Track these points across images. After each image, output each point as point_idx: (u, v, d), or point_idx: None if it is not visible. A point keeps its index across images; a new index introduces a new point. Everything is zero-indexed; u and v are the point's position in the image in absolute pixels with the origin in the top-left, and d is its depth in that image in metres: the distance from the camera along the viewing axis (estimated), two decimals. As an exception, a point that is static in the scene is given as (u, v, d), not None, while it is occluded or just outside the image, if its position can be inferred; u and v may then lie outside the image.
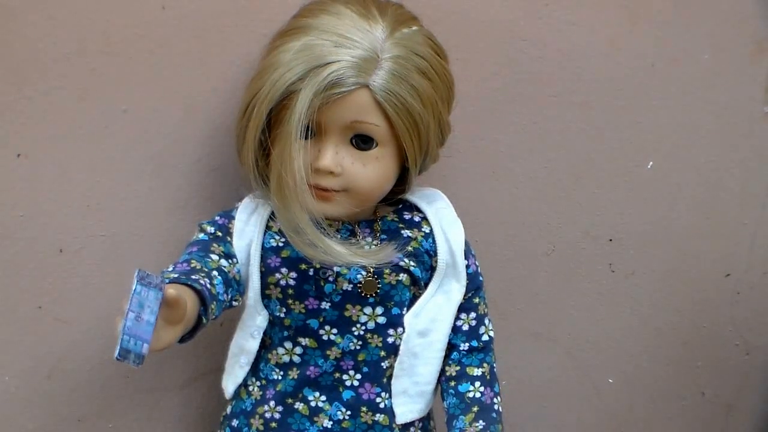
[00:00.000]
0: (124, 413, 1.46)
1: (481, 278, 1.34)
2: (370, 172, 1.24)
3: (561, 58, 1.48)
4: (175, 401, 1.48)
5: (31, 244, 1.37)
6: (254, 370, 1.32)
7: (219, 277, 1.21)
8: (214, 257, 1.24)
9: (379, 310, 1.28)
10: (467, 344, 1.32)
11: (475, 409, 1.29)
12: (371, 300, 1.28)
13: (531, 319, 1.58)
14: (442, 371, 1.32)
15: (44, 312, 1.40)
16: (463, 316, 1.32)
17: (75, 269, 1.40)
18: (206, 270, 1.20)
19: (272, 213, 1.28)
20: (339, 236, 1.27)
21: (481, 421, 1.27)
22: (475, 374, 1.31)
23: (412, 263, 1.29)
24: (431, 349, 1.31)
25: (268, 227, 1.28)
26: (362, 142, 1.23)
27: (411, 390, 1.31)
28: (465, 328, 1.32)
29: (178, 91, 1.37)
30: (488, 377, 1.32)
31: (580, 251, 1.57)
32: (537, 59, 1.47)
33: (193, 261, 1.21)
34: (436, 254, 1.31)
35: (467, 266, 1.32)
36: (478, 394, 1.30)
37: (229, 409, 1.36)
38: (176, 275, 1.16)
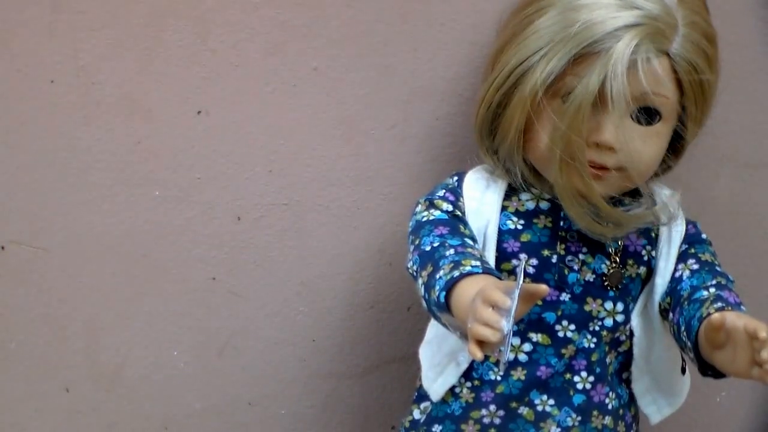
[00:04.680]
0: (299, 399, 1.43)
1: (704, 236, 1.27)
2: (649, 149, 1.18)
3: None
4: (354, 390, 1.44)
5: (207, 210, 1.36)
6: (465, 370, 1.27)
7: None
8: (469, 241, 1.18)
9: (619, 306, 1.23)
10: (690, 282, 1.23)
11: (712, 299, 1.18)
12: (611, 294, 1.22)
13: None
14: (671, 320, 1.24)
15: (218, 284, 1.38)
16: (680, 266, 1.24)
17: (253, 239, 1.37)
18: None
19: (507, 191, 1.23)
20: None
21: (719, 303, 1.16)
22: (709, 284, 1.21)
23: (653, 253, 1.24)
24: (660, 336, 1.26)
25: (503, 207, 1.23)
26: (646, 115, 1.17)
27: (653, 387, 1.27)
28: (686, 274, 1.23)
29: (374, 49, 1.34)
30: (725, 283, 1.21)
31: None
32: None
33: (468, 248, 1.16)
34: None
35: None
36: (713, 289, 1.19)
37: (419, 414, 1.29)
38: (488, 266, 1.11)
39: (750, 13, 1.40)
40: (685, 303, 1.19)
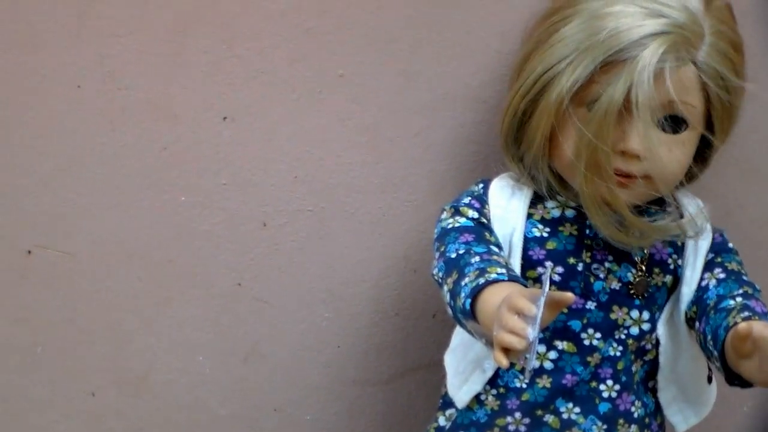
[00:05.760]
0: (323, 406, 1.42)
1: (730, 245, 1.26)
2: (675, 157, 1.18)
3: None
4: (378, 397, 1.43)
5: (233, 216, 1.35)
6: (490, 377, 1.26)
7: None
8: (494, 248, 1.18)
9: (645, 315, 1.22)
10: (717, 291, 1.21)
11: (739, 308, 1.16)
12: (637, 302, 1.21)
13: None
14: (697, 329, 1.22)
15: (243, 290, 1.37)
16: (707, 275, 1.23)
17: (278, 245, 1.37)
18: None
19: (533, 198, 1.23)
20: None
21: (746, 312, 1.15)
22: (735, 293, 1.19)
23: (679, 261, 1.23)
24: (686, 345, 1.24)
25: (529, 214, 1.23)
26: (672, 124, 1.17)
27: (679, 396, 1.26)
28: (712, 283, 1.22)
29: (397, 56, 1.34)
30: (751, 293, 1.20)
31: None
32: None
33: (494, 255, 1.16)
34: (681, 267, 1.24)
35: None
36: (740, 299, 1.18)
37: (444, 421, 1.28)
38: (513, 274, 1.11)
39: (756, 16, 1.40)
40: (712, 312, 1.18)
